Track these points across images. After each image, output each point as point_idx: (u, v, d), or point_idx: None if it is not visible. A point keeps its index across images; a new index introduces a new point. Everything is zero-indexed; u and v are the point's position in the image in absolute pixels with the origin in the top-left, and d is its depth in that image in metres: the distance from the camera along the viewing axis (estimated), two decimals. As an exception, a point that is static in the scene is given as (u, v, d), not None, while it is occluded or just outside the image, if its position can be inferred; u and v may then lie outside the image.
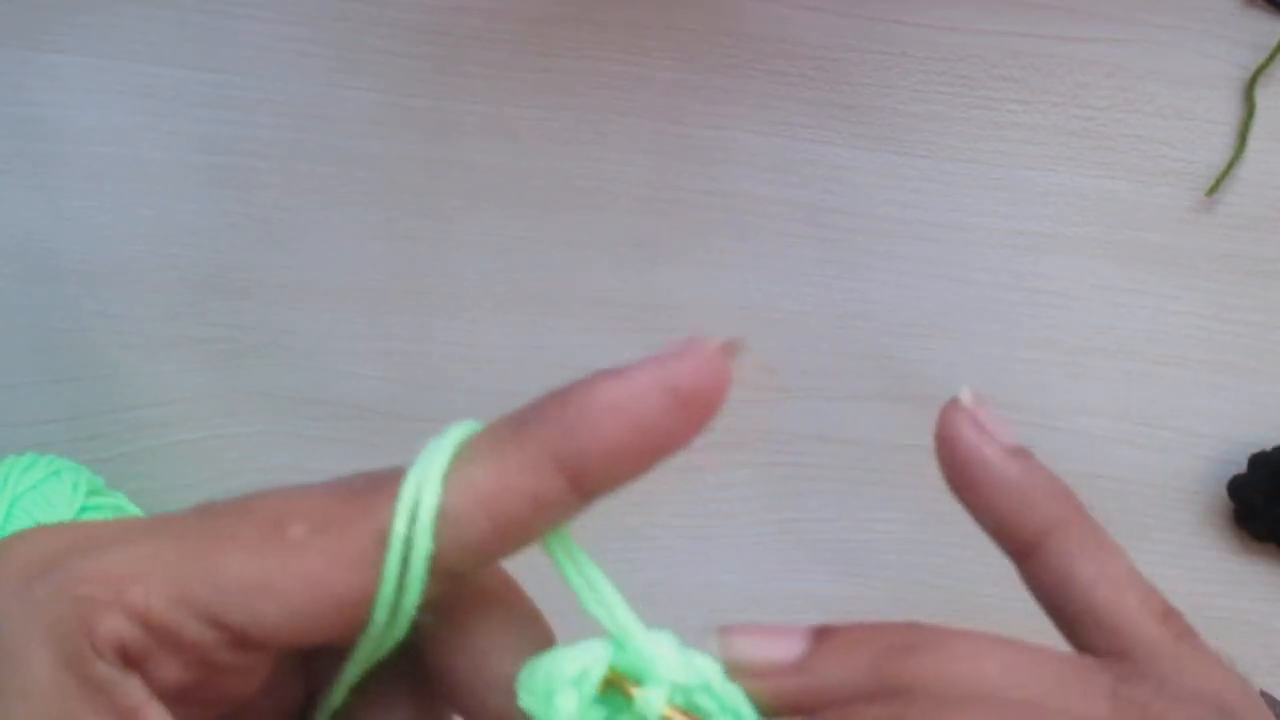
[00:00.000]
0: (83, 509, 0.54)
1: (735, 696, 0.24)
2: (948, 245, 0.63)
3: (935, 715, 0.23)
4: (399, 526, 0.23)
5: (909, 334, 0.62)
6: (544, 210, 0.62)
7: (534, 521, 0.23)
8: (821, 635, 0.25)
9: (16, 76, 0.62)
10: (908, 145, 0.63)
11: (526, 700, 0.24)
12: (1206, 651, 0.25)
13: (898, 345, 0.62)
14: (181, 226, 0.62)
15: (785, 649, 0.24)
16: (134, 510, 0.56)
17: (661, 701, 0.24)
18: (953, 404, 0.27)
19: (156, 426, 0.61)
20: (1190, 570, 0.61)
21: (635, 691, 0.24)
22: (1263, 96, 0.63)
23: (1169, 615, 0.26)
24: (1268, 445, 0.60)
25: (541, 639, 0.25)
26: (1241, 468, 0.60)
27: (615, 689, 0.24)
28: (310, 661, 0.26)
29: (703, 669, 0.24)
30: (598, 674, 0.24)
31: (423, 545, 0.23)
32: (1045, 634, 0.26)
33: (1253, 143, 0.63)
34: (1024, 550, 0.27)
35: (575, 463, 0.23)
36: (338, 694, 0.25)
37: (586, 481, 0.23)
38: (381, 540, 0.23)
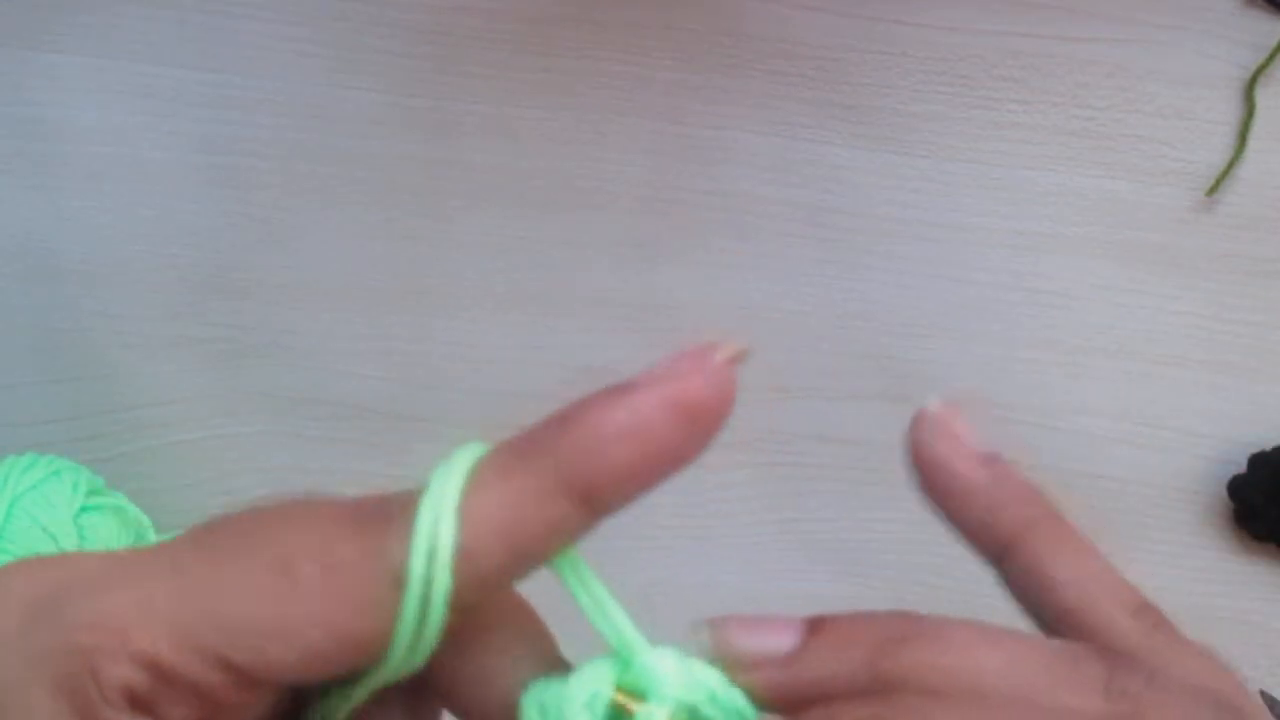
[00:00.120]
0: (83, 509, 0.54)
1: (738, 701, 0.24)
2: (948, 245, 0.62)
3: (918, 715, 0.22)
4: (417, 567, 0.22)
5: (909, 334, 0.62)
6: (544, 210, 0.62)
7: (549, 546, 0.23)
8: (814, 627, 0.24)
9: (16, 76, 0.62)
10: (908, 145, 0.63)
11: None
12: (1187, 643, 0.25)
13: (898, 345, 0.62)
14: (181, 226, 0.62)
15: (777, 641, 0.24)
16: (134, 510, 0.56)
17: (664, 719, 0.24)
18: (921, 413, 0.28)
19: (156, 426, 0.61)
20: (1190, 570, 0.61)
21: (637, 709, 0.24)
22: (1263, 96, 0.63)
23: (1145, 610, 0.26)
24: (1268, 445, 0.60)
25: (548, 655, 0.25)
26: (1241, 468, 0.60)
27: (619, 708, 0.24)
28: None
29: (705, 681, 0.24)
30: (606, 696, 0.24)
31: (442, 583, 0.22)
32: (1045, 634, 0.26)
33: (1253, 143, 0.63)
34: (998, 554, 0.27)
35: (587, 486, 0.23)
36: (339, 715, 0.25)
37: (598, 502, 0.23)
38: (397, 581, 0.22)
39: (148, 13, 0.63)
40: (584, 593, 0.24)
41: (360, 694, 0.24)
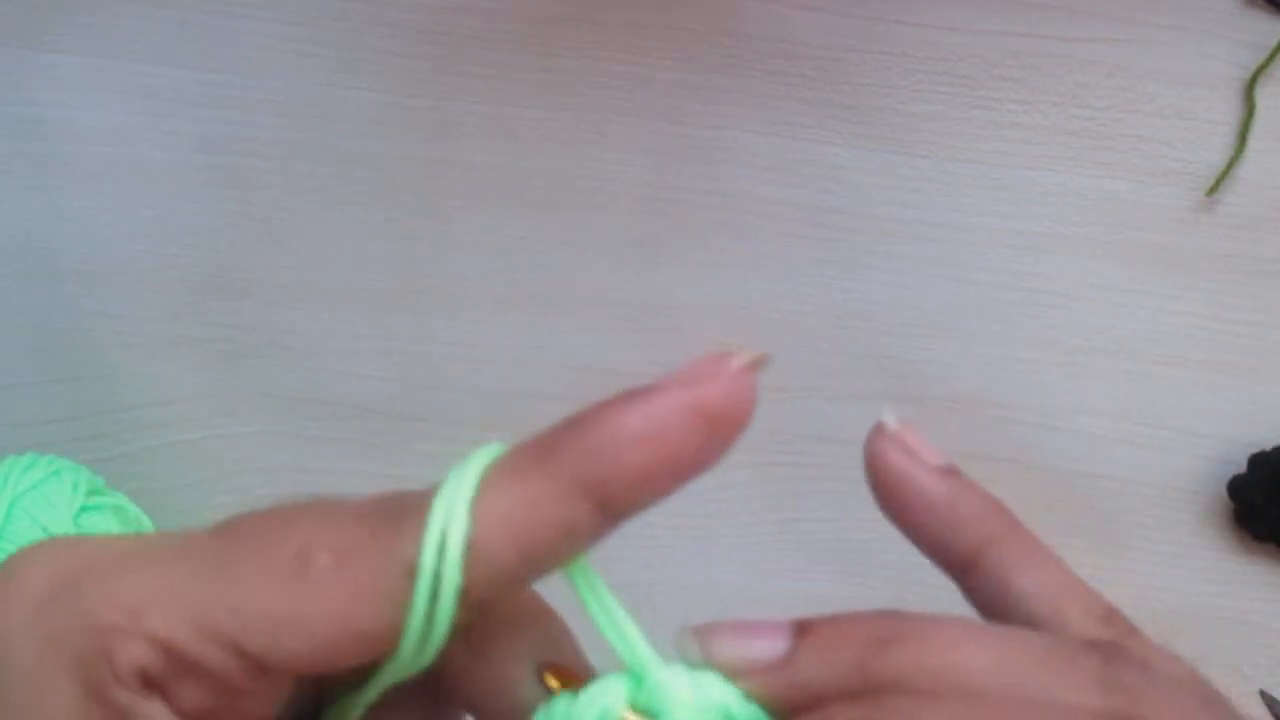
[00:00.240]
0: (83, 509, 0.54)
1: (755, 714, 0.24)
2: (948, 245, 0.63)
3: (907, 716, 0.22)
4: (427, 560, 0.22)
5: (909, 334, 0.62)
6: (544, 210, 0.62)
7: (561, 548, 0.23)
8: (802, 630, 0.24)
9: (16, 76, 0.62)
10: (908, 145, 0.63)
11: None
12: (1158, 648, 0.25)
13: (898, 345, 0.62)
14: (181, 226, 0.62)
15: (766, 647, 0.24)
16: (134, 510, 0.56)
17: None
18: (878, 429, 0.28)
19: (156, 426, 0.61)
20: (1190, 570, 0.61)
21: None
22: (1263, 96, 0.63)
23: (1111, 617, 0.26)
24: (1268, 445, 0.60)
25: (567, 662, 0.25)
26: (1241, 468, 0.60)
27: None
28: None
29: (720, 701, 0.24)
30: (617, 716, 0.24)
31: (452, 579, 0.22)
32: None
33: (1253, 143, 0.63)
34: (961, 568, 0.27)
35: (602, 489, 0.23)
36: (354, 713, 0.25)
37: (613, 506, 0.23)
38: (409, 574, 0.22)
39: (148, 13, 0.63)
40: (597, 606, 0.24)
41: (372, 692, 0.24)
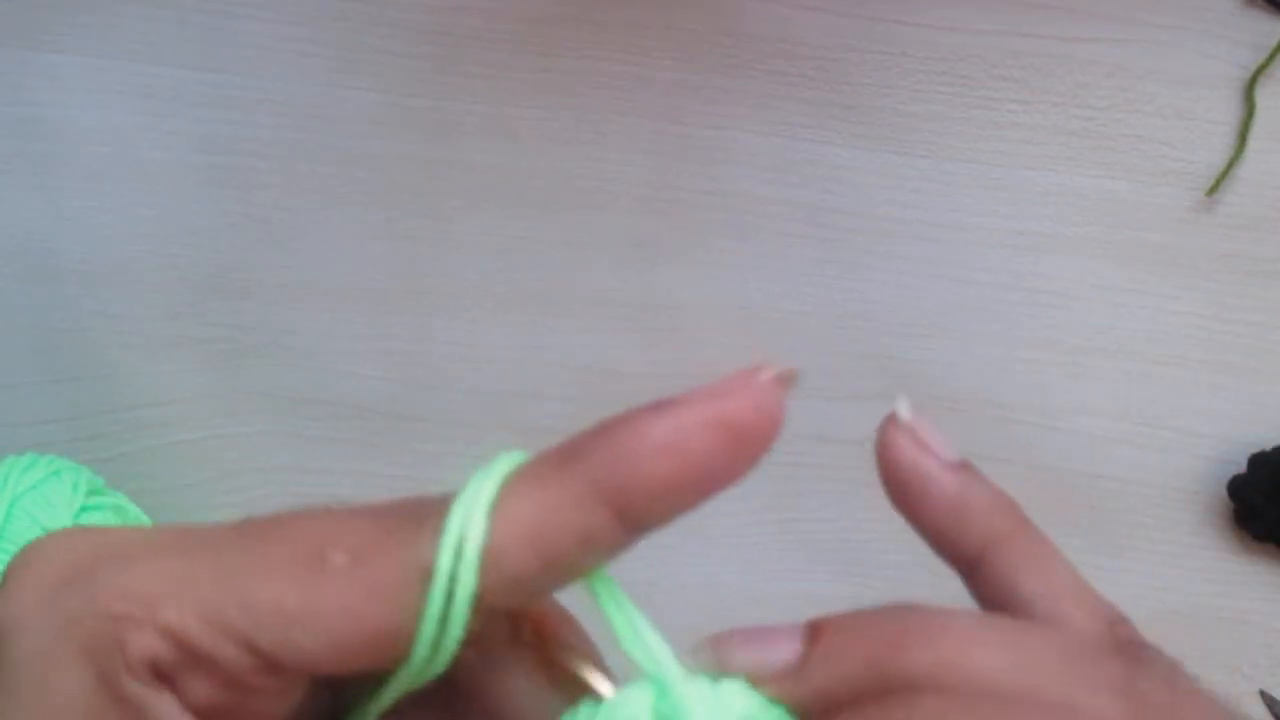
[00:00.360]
0: (83, 509, 0.54)
1: (781, 718, 0.24)
2: (948, 245, 0.63)
3: (940, 718, 0.22)
4: (443, 562, 0.22)
5: (909, 334, 0.62)
6: (544, 210, 0.62)
7: (580, 557, 0.23)
8: (814, 633, 0.24)
9: (16, 76, 0.62)
10: (908, 145, 0.63)
11: None
12: (1168, 657, 0.25)
13: (898, 345, 0.62)
14: (181, 226, 0.62)
15: (781, 652, 0.24)
16: (134, 510, 0.56)
17: None
18: (891, 419, 0.27)
19: (156, 426, 0.61)
20: (1190, 570, 0.61)
21: None
22: (1263, 96, 0.63)
23: (1117, 625, 0.25)
24: (1268, 445, 0.60)
25: (588, 673, 0.25)
26: (1241, 468, 0.60)
27: None
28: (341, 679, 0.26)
29: (744, 712, 0.24)
30: None
31: (467, 582, 0.22)
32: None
33: (1253, 143, 0.63)
34: (968, 565, 0.27)
35: (624, 499, 0.22)
36: (368, 718, 0.25)
37: (633, 517, 0.23)
38: (424, 575, 0.22)
39: (148, 13, 0.63)
40: (619, 616, 0.24)
41: (386, 698, 0.24)
